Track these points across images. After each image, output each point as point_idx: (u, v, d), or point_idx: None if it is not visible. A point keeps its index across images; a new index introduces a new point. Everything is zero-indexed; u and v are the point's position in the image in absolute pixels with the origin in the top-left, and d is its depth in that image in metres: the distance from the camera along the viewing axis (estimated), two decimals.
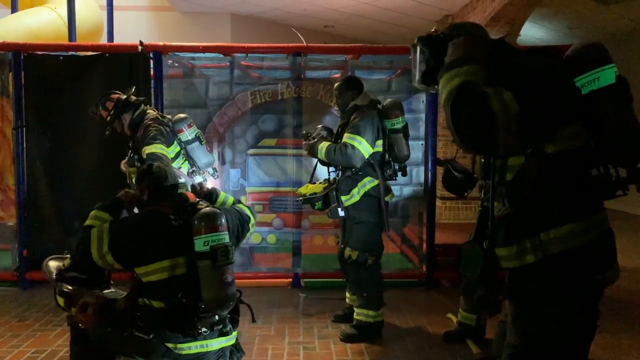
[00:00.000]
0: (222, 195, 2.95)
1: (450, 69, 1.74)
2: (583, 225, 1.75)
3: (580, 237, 1.74)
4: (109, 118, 3.92)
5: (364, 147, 3.59)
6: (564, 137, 1.75)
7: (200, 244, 2.36)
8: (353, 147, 3.56)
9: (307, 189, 3.89)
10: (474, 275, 1.88)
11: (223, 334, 2.48)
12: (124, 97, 3.94)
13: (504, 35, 2.00)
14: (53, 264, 2.80)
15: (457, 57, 1.75)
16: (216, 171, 4.33)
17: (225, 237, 2.42)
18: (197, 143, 3.98)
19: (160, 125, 3.84)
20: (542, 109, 1.69)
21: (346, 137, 3.62)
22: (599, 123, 1.77)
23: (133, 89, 4.03)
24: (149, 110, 3.99)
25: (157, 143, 3.68)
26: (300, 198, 3.88)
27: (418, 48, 1.89)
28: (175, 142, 3.92)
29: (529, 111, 1.65)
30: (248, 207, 2.93)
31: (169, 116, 4.08)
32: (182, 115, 4.05)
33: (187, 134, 3.95)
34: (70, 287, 2.59)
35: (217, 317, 2.42)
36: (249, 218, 2.87)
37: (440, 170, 3.67)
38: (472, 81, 1.68)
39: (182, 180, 3.83)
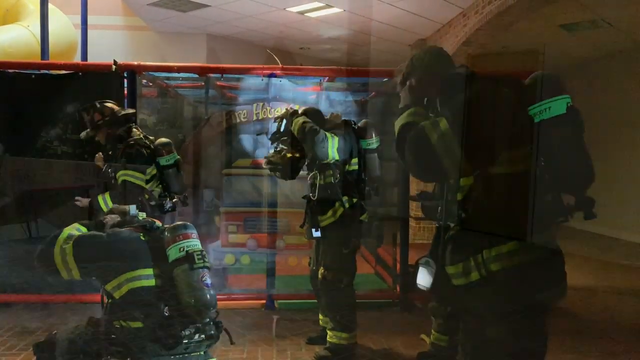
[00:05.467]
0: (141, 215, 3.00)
1: (398, 115, 1.96)
2: (523, 245, 1.80)
3: (520, 256, 1.80)
4: (99, 122, 3.89)
5: (332, 145, 3.59)
6: (507, 161, 1.82)
7: (175, 251, 2.43)
8: (325, 136, 3.55)
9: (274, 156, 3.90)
10: (427, 287, 1.96)
11: (209, 337, 2.45)
12: (121, 111, 3.96)
13: (464, 65, 2.08)
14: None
15: (403, 104, 1.97)
16: (187, 198, 4.20)
17: (199, 244, 2.49)
18: (174, 169, 3.93)
19: (142, 147, 3.85)
20: (484, 133, 1.79)
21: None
22: (548, 151, 1.84)
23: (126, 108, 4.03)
24: (134, 129, 3.97)
25: (131, 170, 3.71)
26: (266, 162, 3.91)
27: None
28: (153, 165, 3.89)
29: (471, 135, 1.77)
30: None
31: (152, 137, 4.04)
32: (165, 140, 4.00)
33: (167, 159, 3.90)
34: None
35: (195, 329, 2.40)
36: None
37: (413, 191, 3.73)
38: (410, 122, 1.88)
39: (152, 203, 3.80)
